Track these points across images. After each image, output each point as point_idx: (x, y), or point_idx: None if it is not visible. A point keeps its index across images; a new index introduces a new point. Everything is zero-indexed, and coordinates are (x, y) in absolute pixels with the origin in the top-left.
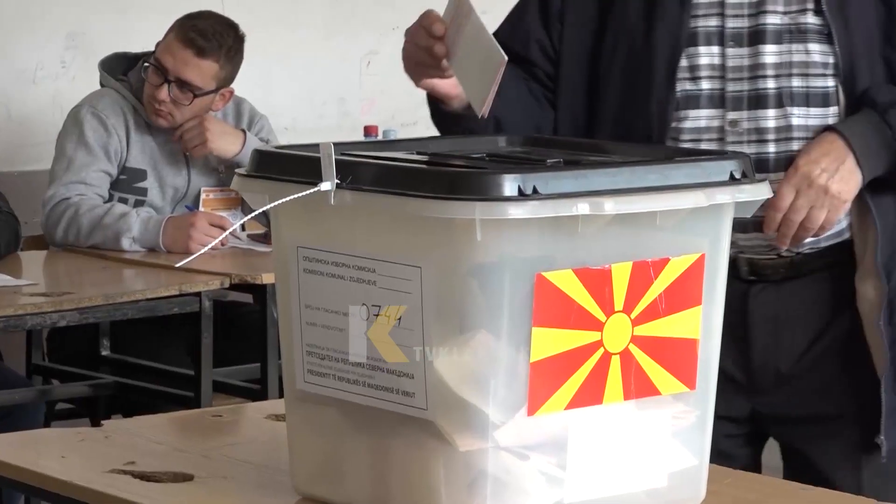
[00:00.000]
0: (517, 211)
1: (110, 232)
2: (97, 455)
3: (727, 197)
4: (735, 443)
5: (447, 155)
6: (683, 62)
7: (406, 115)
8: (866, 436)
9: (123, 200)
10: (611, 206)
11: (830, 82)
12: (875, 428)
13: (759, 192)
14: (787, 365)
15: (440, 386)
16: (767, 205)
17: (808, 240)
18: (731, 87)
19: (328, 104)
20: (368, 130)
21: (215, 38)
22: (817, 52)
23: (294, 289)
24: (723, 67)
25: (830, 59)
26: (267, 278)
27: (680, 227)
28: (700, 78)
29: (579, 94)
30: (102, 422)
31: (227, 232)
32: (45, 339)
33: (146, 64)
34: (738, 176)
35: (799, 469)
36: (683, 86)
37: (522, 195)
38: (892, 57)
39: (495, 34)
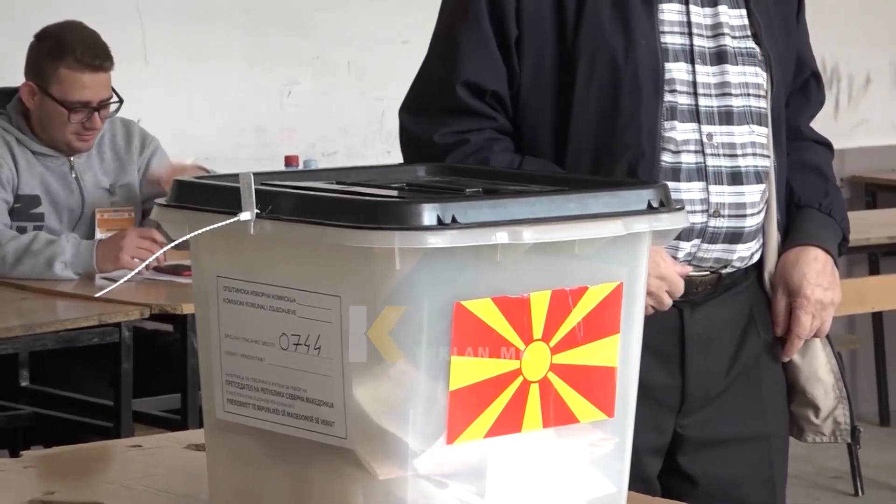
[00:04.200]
0: (436, 240)
1: (42, 258)
2: (16, 486)
3: (645, 226)
4: (657, 467)
5: (367, 184)
6: (665, 75)
7: (327, 144)
8: (782, 456)
9: (22, 229)
10: (529, 234)
11: (764, 103)
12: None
13: (676, 220)
14: (716, 385)
15: (360, 415)
16: (791, 332)
17: (737, 261)
18: (702, 102)
19: (248, 134)
20: (289, 160)
21: (102, 46)
22: (760, 74)
23: (214, 318)
24: (693, 84)
25: (765, 84)
26: (187, 308)
27: (598, 256)
28: (676, 91)
29: (546, 116)
30: (21, 453)
31: (166, 249)
32: None
33: (71, 110)
34: (655, 205)
35: (717, 494)
36: (666, 97)
37: (441, 224)
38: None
39: (459, 72)
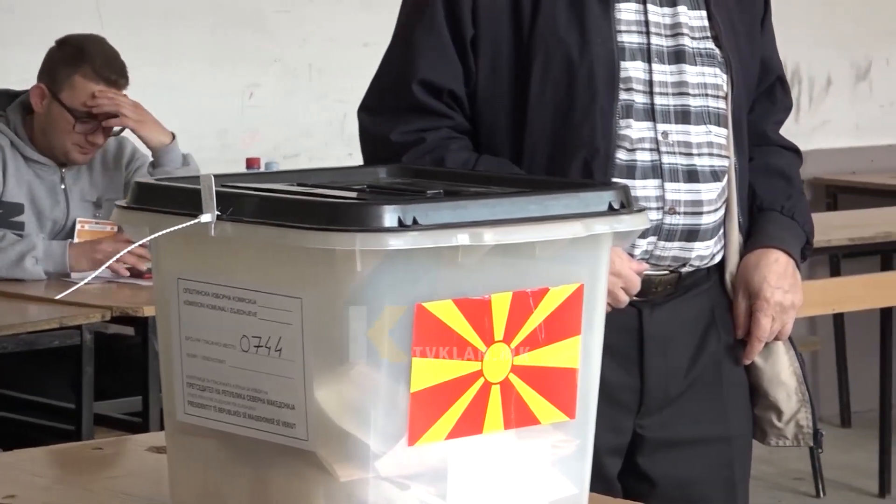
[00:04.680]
0: (397, 242)
1: (13, 253)
2: None
3: (605, 227)
4: (617, 467)
5: (328, 186)
6: (620, 73)
7: (288, 147)
8: (744, 458)
9: None
10: (490, 236)
11: (723, 105)
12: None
13: (637, 222)
14: (675, 386)
15: (321, 417)
16: (752, 335)
17: (696, 259)
18: (659, 100)
19: (210, 136)
20: (250, 163)
21: (121, 64)
22: (720, 76)
23: (175, 321)
24: (650, 82)
25: (725, 86)
26: (148, 311)
27: (559, 258)
28: (632, 90)
29: (503, 114)
30: None
31: (124, 252)
32: None
33: (79, 118)
34: (616, 206)
35: (676, 496)
36: (622, 95)
37: (402, 226)
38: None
39: (415, 71)
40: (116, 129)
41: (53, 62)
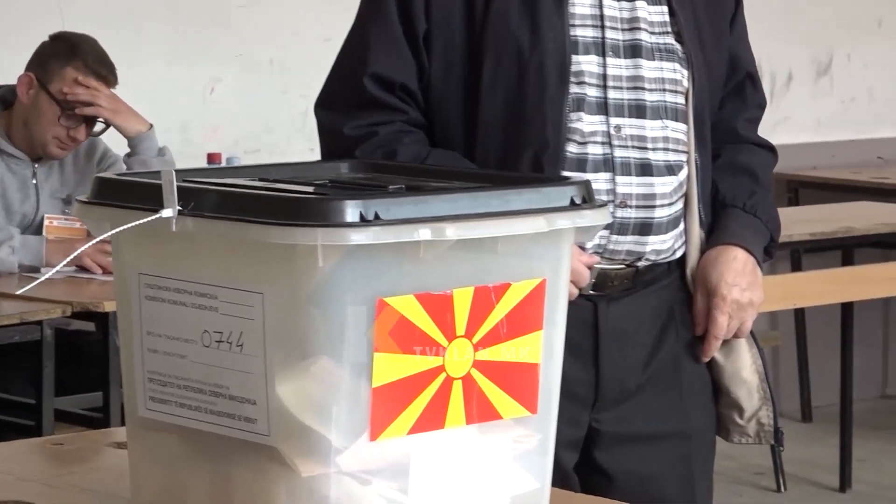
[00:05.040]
0: (359, 237)
1: None
2: None
3: (567, 222)
4: (573, 460)
5: (290, 181)
6: (572, 67)
7: (249, 142)
8: (704, 455)
9: None
10: (452, 231)
11: (681, 100)
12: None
13: (599, 217)
14: (631, 381)
15: (282, 412)
16: (708, 333)
17: (652, 253)
18: (612, 94)
19: (172, 131)
20: (212, 158)
21: (111, 64)
22: (680, 72)
23: (136, 316)
24: (604, 76)
25: (685, 82)
26: (109, 306)
27: (521, 253)
28: (584, 83)
29: (456, 108)
30: None
31: (86, 247)
32: None
33: (65, 111)
34: (578, 201)
35: (633, 491)
36: (573, 89)
37: (364, 221)
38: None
39: (367, 65)
40: (98, 128)
41: (46, 54)
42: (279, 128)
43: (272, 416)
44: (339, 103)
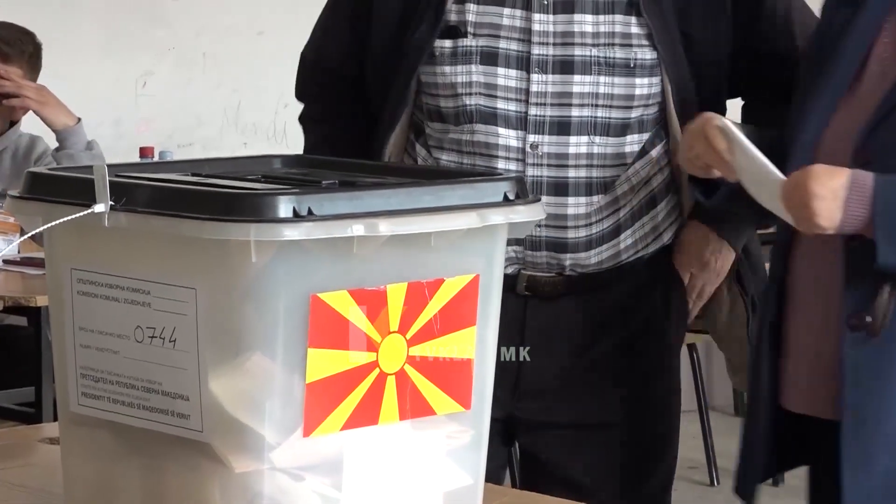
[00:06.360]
0: (292, 232)
1: None
2: None
3: (501, 218)
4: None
5: (222, 176)
6: (477, 77)
7: (182, 135)
8: (632, 449)
9: None
10: (385, 227)
11: (623, 114)
12: (638, 441)
13: (532, 212)
14: (554, 374)
15: (216, 408)
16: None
17: (576, 266)
18: (533, 110)
19: (104, 125)
20: (144, 152)
21: (17, 45)
22: (622, 84)
23: (68, 311)
24: (526, 91)
25: (644, 91)
26: (41, 301)
27: (454, 248)
28: (496, 97)
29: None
30: None
31: (19, 241)
32: None
33: None
34: (511, 197)
35: (551, 477)
36: (475, 100)
37: (297, 216)
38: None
39: (312, 50)
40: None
41: None
42: (212, 122)
43: (205, 412)
44: (299, 92)
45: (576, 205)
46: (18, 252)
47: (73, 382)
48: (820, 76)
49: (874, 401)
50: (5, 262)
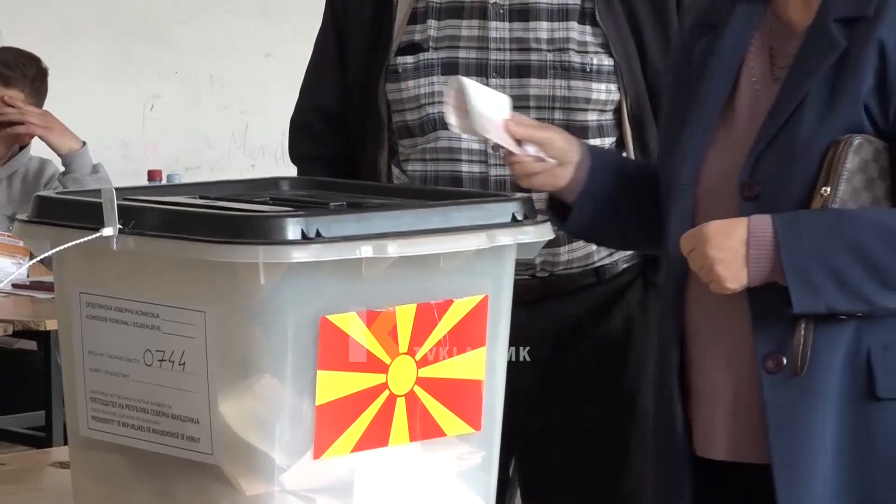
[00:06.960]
0: (300, 254)
1: None
2: None
3: (509, 238)
4: None
5: (230, 199)
6: (439, 87)
7: (190, 158)
8: (616, 450)
9: None
10: (394, 248)
11: (583, 116)
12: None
13: (540, 232)
14: (536, 378)
15: (225, 431)
16: None
17: (546, 266)
18: None
19: (112, 149)
20: (152, 175)
21: (18, 68)
22: (581, 88)
23: (77, 335)
24: None
25: (602, 96)
26: (51, 325)
27: (463, 269)
28: None
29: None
30: None
31: (28, 265)
32: None
33: None
34: (520, 218)
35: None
36: (437, 108)
37: (306, 238)
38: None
39: (303, 91)
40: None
41: None
42: (219, 144)
43: (215, 434)
44: (294, 125)
45: (540, 201)
46: (28, 276)
47: (82, 406)
48: (686, 110)
49: (804, 442)
50: (15, 286)
